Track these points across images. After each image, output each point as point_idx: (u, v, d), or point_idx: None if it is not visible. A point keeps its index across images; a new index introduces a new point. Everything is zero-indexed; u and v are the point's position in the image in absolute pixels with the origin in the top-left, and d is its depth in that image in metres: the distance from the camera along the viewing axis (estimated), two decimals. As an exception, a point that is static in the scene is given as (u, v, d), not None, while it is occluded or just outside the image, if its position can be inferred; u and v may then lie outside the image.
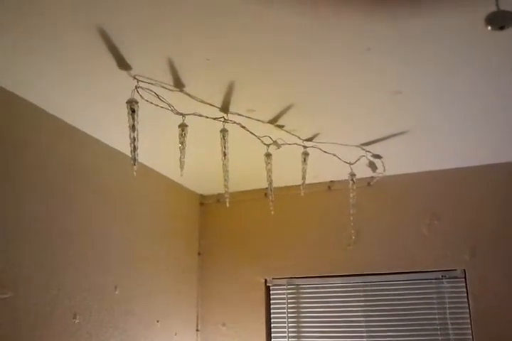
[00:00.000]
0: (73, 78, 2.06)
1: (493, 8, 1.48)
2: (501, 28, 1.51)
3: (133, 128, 2.01)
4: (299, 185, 2.62)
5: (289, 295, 3.26)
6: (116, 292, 2.62)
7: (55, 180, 2.35)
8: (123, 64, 1.94)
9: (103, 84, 2.10)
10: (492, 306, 2.81)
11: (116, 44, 1.82)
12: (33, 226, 2.19)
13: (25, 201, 2.17)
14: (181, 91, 2.14)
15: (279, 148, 2.54)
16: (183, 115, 2.20)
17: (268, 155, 2.48)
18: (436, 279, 2.98)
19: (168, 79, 2.06)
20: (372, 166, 2.81)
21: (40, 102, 2.26)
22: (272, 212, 2.58)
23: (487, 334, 2.78)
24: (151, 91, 2.08)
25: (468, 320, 2.86)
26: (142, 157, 2.64)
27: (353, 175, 2.72)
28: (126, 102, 2.01)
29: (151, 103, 2.12)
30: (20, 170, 2.18)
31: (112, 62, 1.93)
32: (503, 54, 1.88)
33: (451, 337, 2.88)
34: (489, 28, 1.51)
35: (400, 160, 2.96)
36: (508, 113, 2.38)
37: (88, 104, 2.27)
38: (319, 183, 3.27)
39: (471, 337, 2.83)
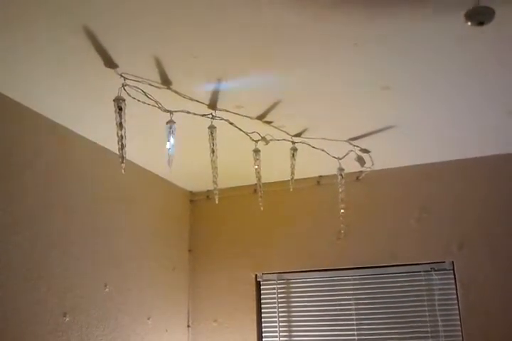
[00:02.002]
0: (60, 76, 2.04)
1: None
2: (480, 23, 1.52)
3: (120, 126, 2.00)
4: (288, 181, 2.63)
5: (279, 290, 3.27)
6: (106, 289, 2.62)
7: (43, 178, 2.33)
8: (109, 62, 1.94)
9: (90, 83, 2.09)
10: (480, 297, 2.84)
11: (102, 42, 1.81)
12: (21, 225, 2.18)
13: (12, 200, 2.16)
14: (169, 88, 2.14)
15: (267, 143, 2.54)
16: (171, 112, 2.19)
17: (256, 151, 2.49)
18: (425, 272, 3.00)
19: (156, 77, 2.05)
20: (361, 161, 2.82)
21: (27, 101, 2.24)
22: (262, 208, 2.59)
23: (476, 326, 2.81)
24: (138, 88, 2.07)
25: (457, 311, 2.89)
26: (131, 155, 2.64)
27: (341, 169, 2.73)
28: (114, 100, 2.00)
29: (139, 100, 2.11)
30: (9, 169, 2.16)
31: (99, 61, 1.92)
32: (487, 49, 1.89)
33: (441, 328, 2.91)
34: (469, 23, 1.52)
35: (388, 155, 2.97)
36: (494, 107, 2.40)
37: (75, 102, 2.26)
38: (308, 178, 3.28)
39: (460, 328, 2.86)
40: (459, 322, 2.87)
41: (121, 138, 2.01)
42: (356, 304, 3.09)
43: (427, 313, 2.95)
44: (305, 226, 3.27)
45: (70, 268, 2.40)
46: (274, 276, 3.29)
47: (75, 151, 2.55)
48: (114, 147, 2.20)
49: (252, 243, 3.36)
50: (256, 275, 3.33)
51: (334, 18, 1.69)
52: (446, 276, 2.97)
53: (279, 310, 3.23)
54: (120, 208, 2.84)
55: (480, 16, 1.50)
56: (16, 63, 1.94)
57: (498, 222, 2.91)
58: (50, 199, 2.35)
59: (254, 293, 3.29)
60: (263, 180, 2.56)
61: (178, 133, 2.20)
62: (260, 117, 2.43)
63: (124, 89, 2.03)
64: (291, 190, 2.65)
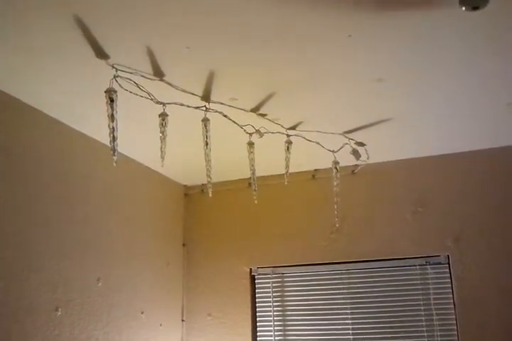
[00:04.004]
0: (50, 68, 2.01)
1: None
2: (475, 8, 1.49)
3: (112, 117, 1.97)
4: (283, 174, 2.60)
5: (273, 284, 3.26)
6: (99, 284, 2.60)
7: (37, 172, 2.31)
8: (101, 53, 1.91)
9: (81, 74, 2.07)
10: (475, 291, 2.84)
11: (93, 33, 1.79)
12: (15, 218, 2.16)
13: (6, 194, 2.14)
14: (161, 80, 2.11)
15: (261, 136, 2.52)
16: (164, 104, 2.16)
17: (251, 144, 2.46)
18: (420, 265, 3.00)
19: (148, 68, 2.03)
20: (356, 154, 2.80)
21: (17, 93, 2.21)
22: (256, 202, 2.57)
23: (471, 319, 2.81)
24: (131, 80, 2.04)
25: (452, 305, 2.89)
26: (124, 148, 2.61)
27: (336, 163, 2.71)
28: (105, 92, 1.97)
29: (131, 92, 2.08)
30: (4, 163, 2.14)
31: (90, 51, 1.90)
32: (483, 39, 1.87)
33: (436, 322, 2.91)
34: (463, 8, 1.49)
35: (384, 148, 2.96)
36: (492, 99, 2.38)
37: (66, 93, 2.23)
38: (303, 172, 3.26)
39: (455, 321, 2.86)
40: (454, 316, 2.87)
41: (112, 130, 1.98)
42: (351, 298, 3.09)
43: (421, 307, 2.95)
44: (300, 220, 3.25)
45: (62, 262, 2.38)
46: (269, 270, 3.28)
47: (68, 144, 2.52)
48: (106, 140, 2.17)
49: (246, 237, 3.34)
50: (251, 269, 3.31)
51: (327, 10, 1.67)
52: (441, 270, 2.97)
53: (274, 304, 3.23)
54: (114, 202, 2.81)
55: (474, 1, 1.47)
56: (3, 55, 1.90)
57: (494, 215, 2.91)
58: (43, 193, 2.33)
59: (249, 287, 3.28)
60: (257, 174, 2.54)
61: (171, 125, 2.17)
62: (254, 110, 2.40)
63: (116, 81, 2.00)
64: (285, 183, 2.63)
